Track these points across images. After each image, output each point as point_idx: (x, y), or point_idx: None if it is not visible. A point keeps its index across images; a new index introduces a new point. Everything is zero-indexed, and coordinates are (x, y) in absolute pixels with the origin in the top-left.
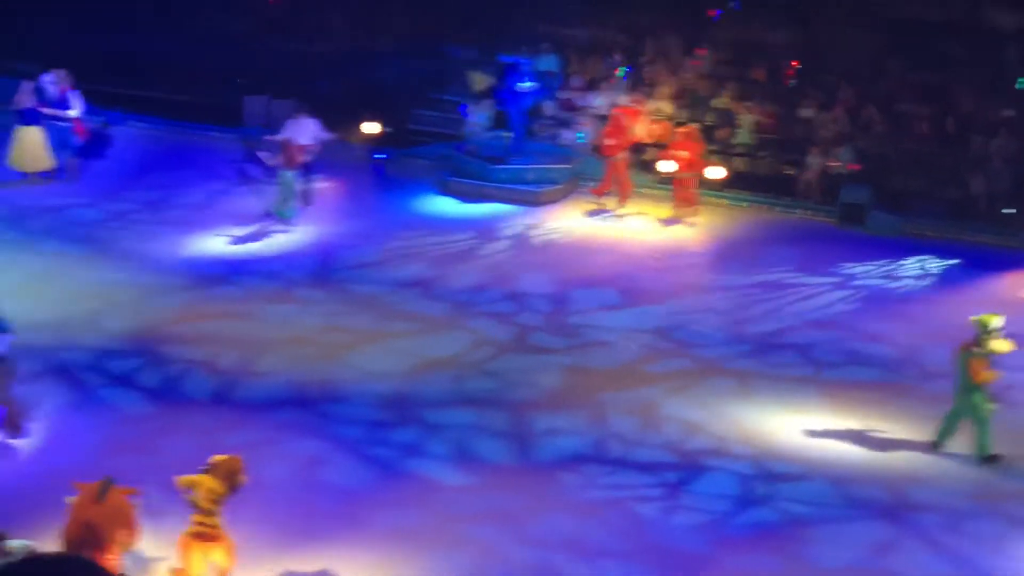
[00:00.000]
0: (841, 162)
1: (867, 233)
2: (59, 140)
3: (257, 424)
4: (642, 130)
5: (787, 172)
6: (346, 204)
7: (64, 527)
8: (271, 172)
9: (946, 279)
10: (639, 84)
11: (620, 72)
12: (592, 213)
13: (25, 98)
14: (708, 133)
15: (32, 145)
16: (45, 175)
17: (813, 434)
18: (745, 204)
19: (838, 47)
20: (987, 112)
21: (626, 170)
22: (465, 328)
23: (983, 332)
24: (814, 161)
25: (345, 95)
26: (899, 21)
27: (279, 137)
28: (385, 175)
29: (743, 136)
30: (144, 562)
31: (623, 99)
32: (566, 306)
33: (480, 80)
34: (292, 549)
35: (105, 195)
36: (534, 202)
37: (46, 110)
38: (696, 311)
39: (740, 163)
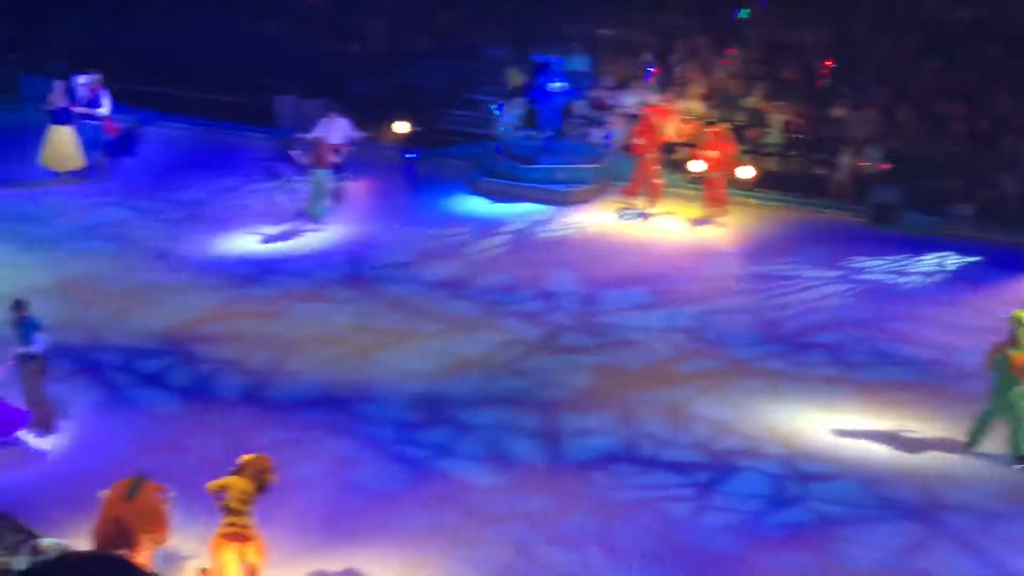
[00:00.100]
0: (871, 162)
1: (898, 233)
2: (90, 139)
3: (288, 424)
4: (672, 130)
5: (818, 172)
6: (377, 203)
7: (95, 525)
8: (303, 171)
9: (977, 279)
10: (670, 83)
11: (649, 71)
12: (622, 213)
13: (57, 98)
14: (739, 133)
15: (64, 145)
16: (76, 174)
17: (844, 434)
18: (776, 204)
19: (872, 47)
20: (1021, 113)
21: (656, 170)
22: (496, 328)
23: (1020, 328)
24: (845, 161)
25: (377, 95)
26: (935, 21)
27: (311, 136)
28: (416, 174)
29: (774, 136)
30: (175, 560)
31: (653, 98)
32: (596, 306)
33: (517, 76)
34: (323, 549)
35: (136, 194)
36: (565, 201)
37: (77, 109)
38: (726, 311)
39: (771, 163)
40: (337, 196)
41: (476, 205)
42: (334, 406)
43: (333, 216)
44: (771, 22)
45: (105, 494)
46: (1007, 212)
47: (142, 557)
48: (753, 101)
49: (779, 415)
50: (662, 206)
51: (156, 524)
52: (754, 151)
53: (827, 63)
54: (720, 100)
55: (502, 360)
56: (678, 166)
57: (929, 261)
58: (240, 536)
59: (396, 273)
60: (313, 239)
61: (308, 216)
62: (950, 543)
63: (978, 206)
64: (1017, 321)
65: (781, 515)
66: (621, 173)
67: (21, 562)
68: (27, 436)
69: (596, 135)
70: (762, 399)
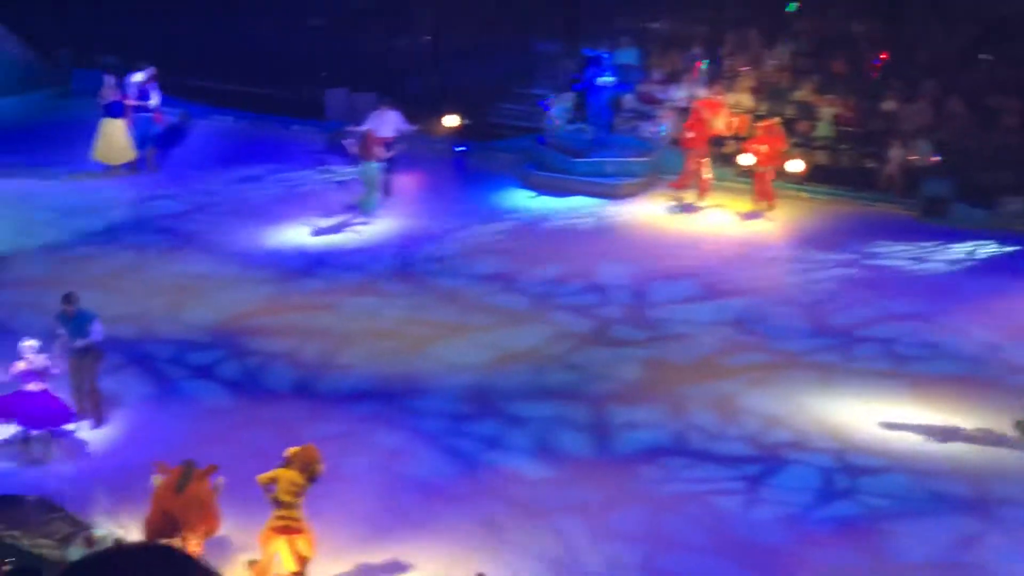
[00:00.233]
0: (922, 155)
1: (949, 226)
2: (142, 132)
3: (338, 417)
4: (722, 123)
5: (868, 165)
6: (427, 196)
7: (145, 517)
8: (354, 164)
9: None
10: (719, 77)
11: (703, 65)
12: (672, 206)
13: (109, 92)
14: (788, 126)
15: (116, 138)
16: (128, 167)
17: (895, 427)
18: (825, 197)
19: (924, 39)
20: None
21: (705, 163)
22: (545, 321)
23: None
24: (896, 154)
25: (427, 88)
26: (987, 14)
27: (361, 129)
28: (466, 168)
29: (823, 129)
30: (226, 551)
31: (703, 92)
32: (646, 299)
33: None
34: (373, 541)
35: (188, 187)
36: (614, 195)
37: (129, 102)
38: (776, 304)
39: (821, 156)
40: (387, 189)
41: (526, 198)
42: (384, 399)
43: (384, 209)
44: (821, 14)
45: (156, 481)
46: None
47: (192, 547)
48: (803, 94)
49: (829, 408)
50: (711, 200)
51: (205, 515)
52: (804, 144)
53: (881, 56)
54: (770, 93)
55: (551, 353)
56: (727, 160)
57: (979, 254)
58: (290, 529)
59: (446, 266)
60: (364, 232)
61: (360, 209)
62: (1001, 537)
63: None
64: None
65: (831, 509)
66: (670, 167)
67: (75, 553)
68: (78, 428)
69: (645, 129)
70: (811, 392)
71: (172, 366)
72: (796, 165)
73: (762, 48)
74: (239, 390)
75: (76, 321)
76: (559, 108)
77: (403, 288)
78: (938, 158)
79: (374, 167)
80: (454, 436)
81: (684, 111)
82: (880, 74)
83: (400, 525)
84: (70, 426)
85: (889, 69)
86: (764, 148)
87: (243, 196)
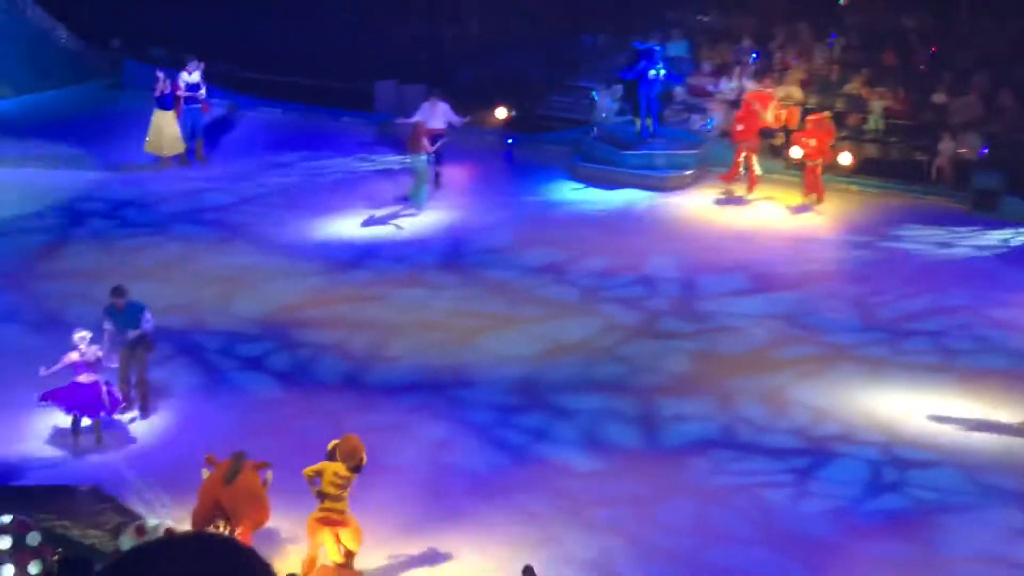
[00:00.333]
0: (972, 148)
1: (1000, 219)
2: (192, 125)
3: (387, 408)
4: (771, 116)
5: (918, 158)
6: (477, 188)
7: (195, 507)
8: (403, 156)
9: None
10: (769, 70)
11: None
12: (721, 199)
13: (161, 84)
14: (838, 119)
15: (166, 129)
16: (177, 159)
17: (944, 421)
18: (875, 190)
19: (974, 32)
20: None
21: (755, 156)
22: (595, 313)
23: None
24: (946, 147)
25: (477, 80)
26: None
27: (411, 121)
28: (515, 160)
29: (873, 122)
30: (275, 542)
31: (753, 85)
32: (694, 291)
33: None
34: (419, 531)
35: (237, 179)
36: (663, 187)
37: (180, 93)
38: (825, 297)
39: (870, 149)
40: (436, 180)
41: (575, 190)
42: (433, 391)
43: (433, 201)
44: (871, 7)
45: (205, 475)
46: None
47: (242, 538)
48: (853, 87)
49: (878, 401)
50: (760, 192)
51: (254, 507)
52: (854, 137)
53: (933, 49)
54: (819, 86)
55: (600, 345)
56: (777, 152)
57: None
58: (335, 521)
59: (495, 258)
60: (413, 224)
61: (409, 200)
62: None
63: None
64: None
65: (879, 502)
66: (720, 159)
67: (126, 543)
68: (128, 419)
69: (695, 121)
70: (861, 385)
71: (221, 357)
72: (845, 158)
73: (812, 41)
74: (288, 381)
75: (127, 313)
76: (608, 100)
77: (452, 280)
78: (986, 151)
79: (423, 159)
80: (502, 428)
81: (734, 104)
82: (930, 67)
83: (447, 516)
84: (121, 416)
85: (939, 62)
86: (813, 141)
87: (292, 188)
